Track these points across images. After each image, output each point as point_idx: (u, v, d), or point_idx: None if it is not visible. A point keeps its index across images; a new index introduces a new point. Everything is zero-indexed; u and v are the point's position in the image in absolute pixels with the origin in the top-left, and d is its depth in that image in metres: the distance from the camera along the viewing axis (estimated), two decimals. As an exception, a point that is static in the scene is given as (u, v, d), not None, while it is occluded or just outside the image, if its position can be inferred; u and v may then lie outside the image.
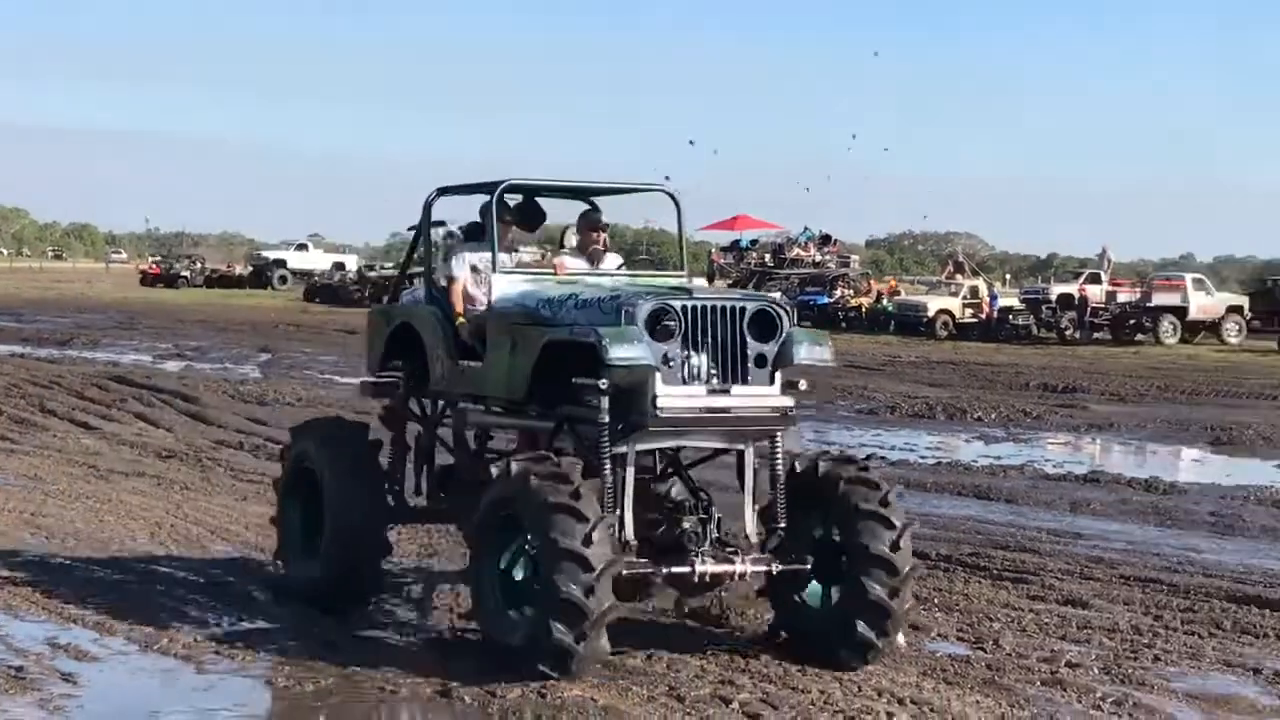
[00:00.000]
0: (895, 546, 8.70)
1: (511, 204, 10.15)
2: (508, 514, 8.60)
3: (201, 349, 37.27)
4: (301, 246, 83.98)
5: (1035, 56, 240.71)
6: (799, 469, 9.11)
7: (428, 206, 10.30)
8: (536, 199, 10.47)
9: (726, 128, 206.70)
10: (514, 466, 8.48)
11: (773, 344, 8.76)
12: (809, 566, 9.07)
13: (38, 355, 33.35)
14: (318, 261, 79.29)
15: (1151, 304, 44.94)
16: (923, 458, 19.86)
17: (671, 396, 8.56)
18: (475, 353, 9.55)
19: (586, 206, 10.51)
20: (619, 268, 10.22)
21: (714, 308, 8.72)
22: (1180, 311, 44.49)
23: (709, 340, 8.66)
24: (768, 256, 59.70)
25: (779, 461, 9.03)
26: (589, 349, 8.52)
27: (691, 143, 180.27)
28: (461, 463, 10.13)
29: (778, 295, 52.98)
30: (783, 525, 9.02)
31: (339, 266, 76.11)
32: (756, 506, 9.06)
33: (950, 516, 14.79)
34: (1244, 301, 47.15)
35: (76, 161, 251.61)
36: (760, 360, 8.74)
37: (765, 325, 8.77)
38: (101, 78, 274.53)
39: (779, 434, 9.00)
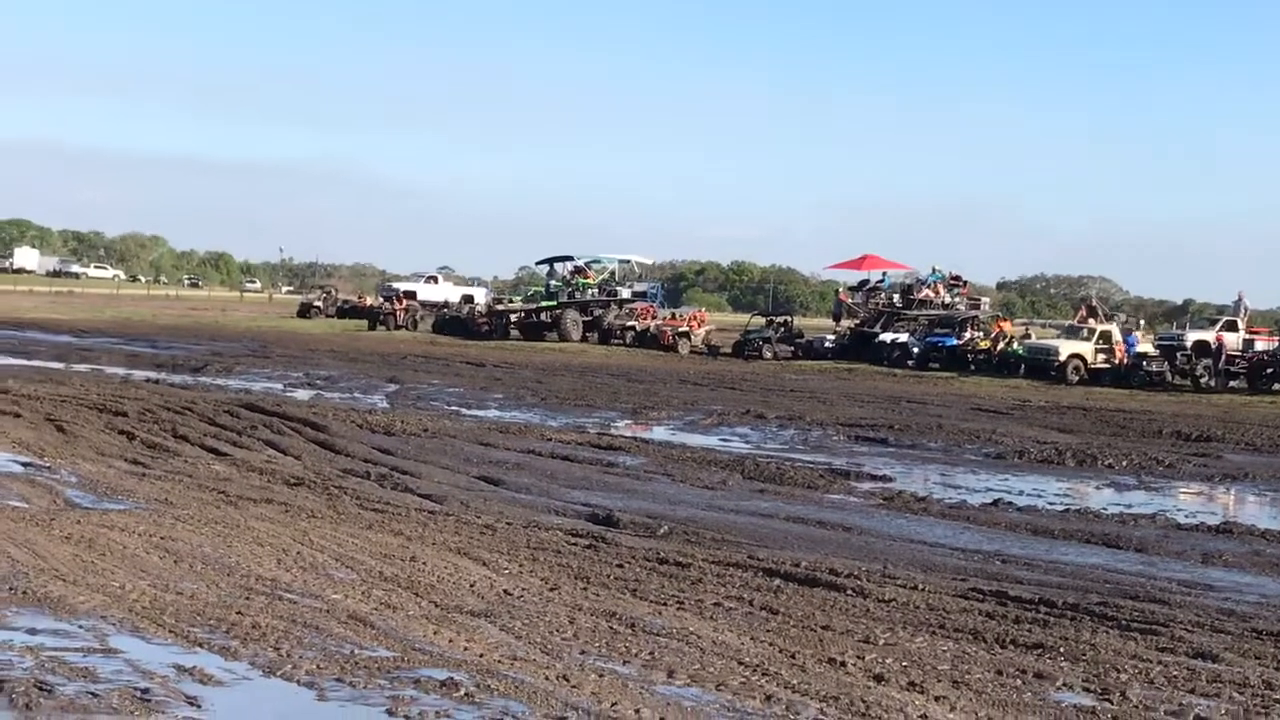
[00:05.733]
0: None
1: None
2: None
3: (331, 379, 37.80)
4: (431, 279, 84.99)
5: (1175, 104, 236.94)
6: None
7: None
8: None
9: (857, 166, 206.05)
10: None
11: None
12: None
13: (172, 381, 34.07)
14: (447, 294, 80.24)
15: (1290, 352, 44.14)
16: (1051, 504, 19.53)
17: None
18: None
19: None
20: None
21: None
22: (1320, 360, 43.65)
23: None
24: (896, 297, 59.42)
25: None
26: None
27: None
28: None
29: (905, 336, 51.85)
30: None
31: (468, 299, 76.93)
32: None
33: (1078, 564, 14.52)
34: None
35: (214, 191, 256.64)
36: None
37: None
38: (240, 113, 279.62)
39: None
